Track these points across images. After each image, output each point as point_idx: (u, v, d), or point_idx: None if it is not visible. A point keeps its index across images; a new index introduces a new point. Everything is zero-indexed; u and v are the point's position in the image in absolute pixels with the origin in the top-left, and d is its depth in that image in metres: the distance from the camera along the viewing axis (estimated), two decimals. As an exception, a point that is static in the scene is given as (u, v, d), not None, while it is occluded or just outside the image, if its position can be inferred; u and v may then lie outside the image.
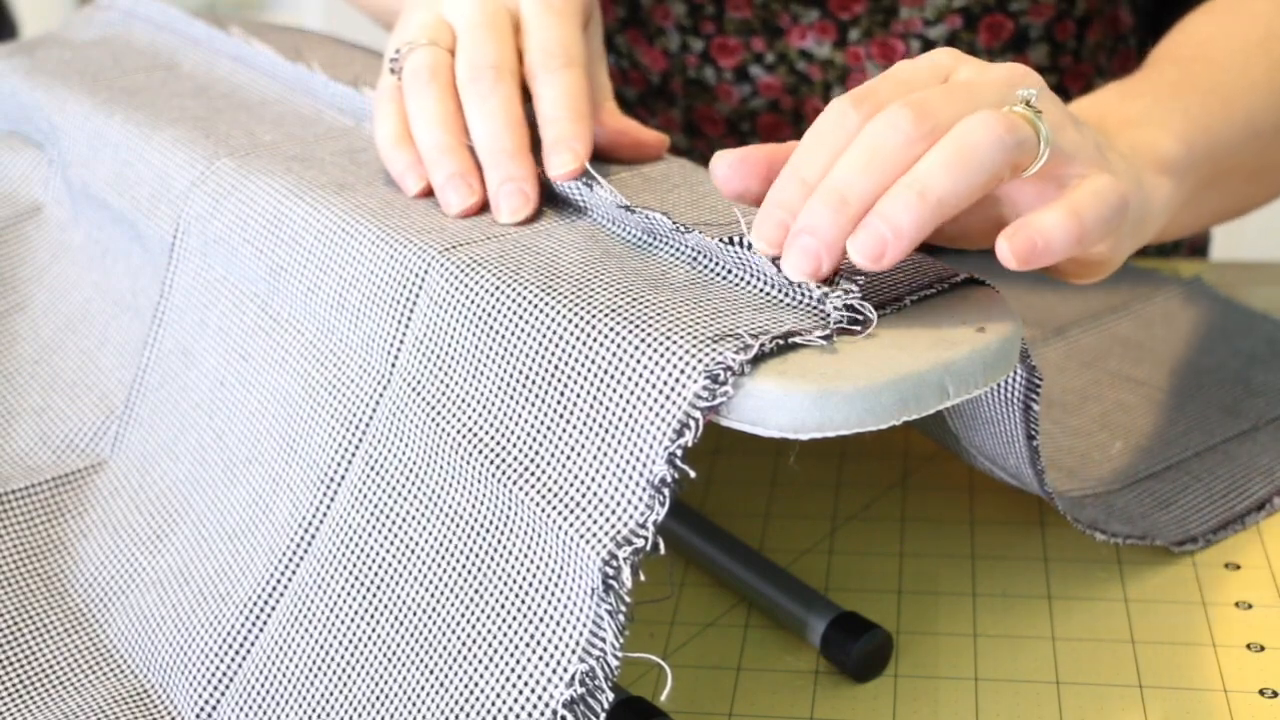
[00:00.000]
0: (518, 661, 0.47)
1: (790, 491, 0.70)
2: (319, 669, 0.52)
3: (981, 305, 0.50)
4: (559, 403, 0.49)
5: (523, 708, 0.47)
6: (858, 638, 0.58)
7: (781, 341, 0.46)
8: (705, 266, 0.52)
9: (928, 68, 0.52)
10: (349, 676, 0.52)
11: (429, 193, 0.59)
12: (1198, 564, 0.63)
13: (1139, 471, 0.67)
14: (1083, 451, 0.69)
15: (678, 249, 0.53)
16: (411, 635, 0.51)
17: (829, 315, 0.48)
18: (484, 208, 0.58)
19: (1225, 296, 0.82)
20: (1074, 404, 0.72)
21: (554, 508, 0.47)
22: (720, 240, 0.51)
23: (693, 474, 0.45)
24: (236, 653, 0.55)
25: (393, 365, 0.54)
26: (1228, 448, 0.69)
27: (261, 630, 0.54)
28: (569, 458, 0.48)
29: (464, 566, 0.50)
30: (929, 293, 0.51)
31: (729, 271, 0.52)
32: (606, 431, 0.47)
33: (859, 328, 0.48)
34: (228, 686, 0.54)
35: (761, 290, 0.50)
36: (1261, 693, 0.56)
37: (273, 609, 0.54)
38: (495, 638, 0.48)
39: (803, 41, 0.83)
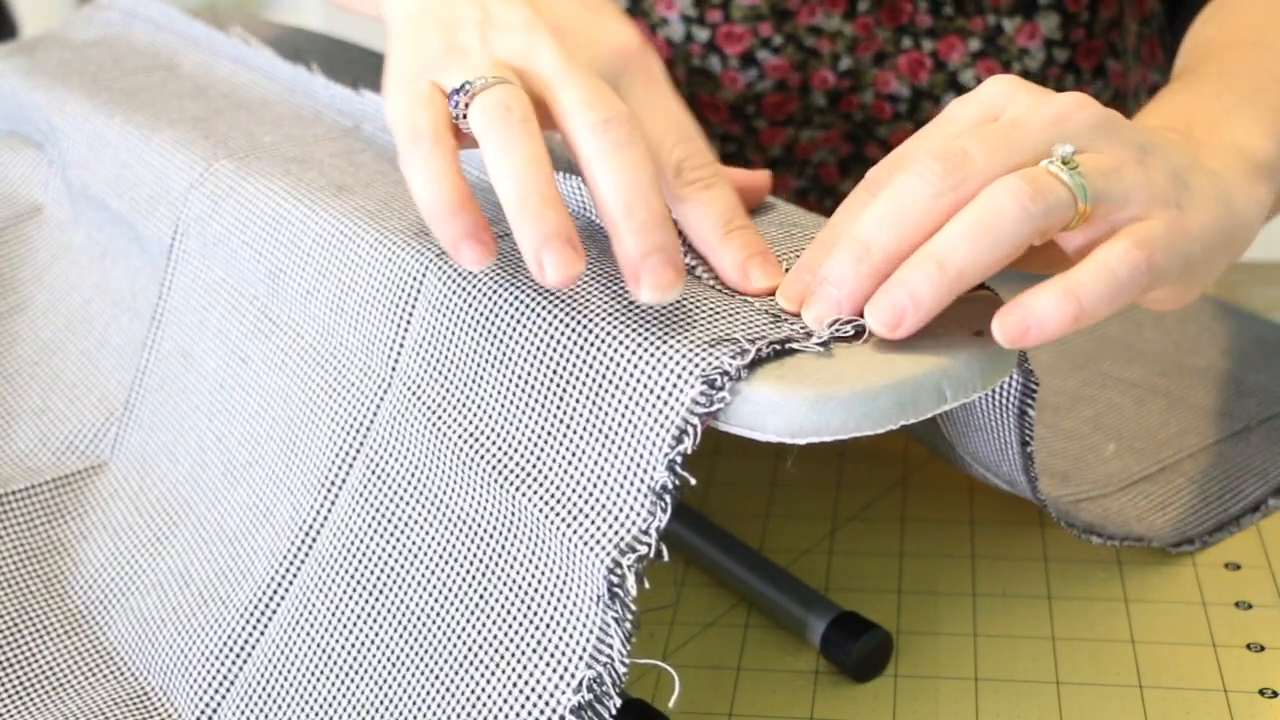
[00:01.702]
0: (524, 667, 0.47)
1: (790, 492, 0.70)
2: (321, 673, 0.52)
3: (979, 309, 0.50)
4: (559, 408, 0.49)
5: (529, 713, 0.47)
6: (858, 638, 0.58)
7: (778, 346, 0.46)
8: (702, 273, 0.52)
9: (973, 113, 0.50)
10: (352, 681, 0.52)
11: (489, 261, 0.49)
12: (1198, 564, 0.63)
13: (1133, 474, 0.67)
14: (1076, 455, 0.69)
15: None
16: (415, 640, 0.51)
17: (819, 334, 0.48)
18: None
19: (1214, 297, 0.82)
20: (1066, 406, 0.72)
21: (557, 514, 0.47)
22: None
23: (693, 481, 0.45)
24: (238, 656, 0.55)
25: (393, 369, 0.54)
26: (1221, 449, 0.69)
27: (263, 634, 0.54)
28: (570, 464, 0.48)
29: (468, 571, 0.50)
30: None
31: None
32: (606, 437, 0.47)
33: (855, 335, 0.48)
34: (229, 690, 0.54)
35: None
36: (1261, 693, 0.56)
37: (274, 612, 0.54)
38: (501, 643, 0.48)
39: (812, 18, 0.83)
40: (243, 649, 0.55)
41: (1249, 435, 0.70)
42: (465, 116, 0.50)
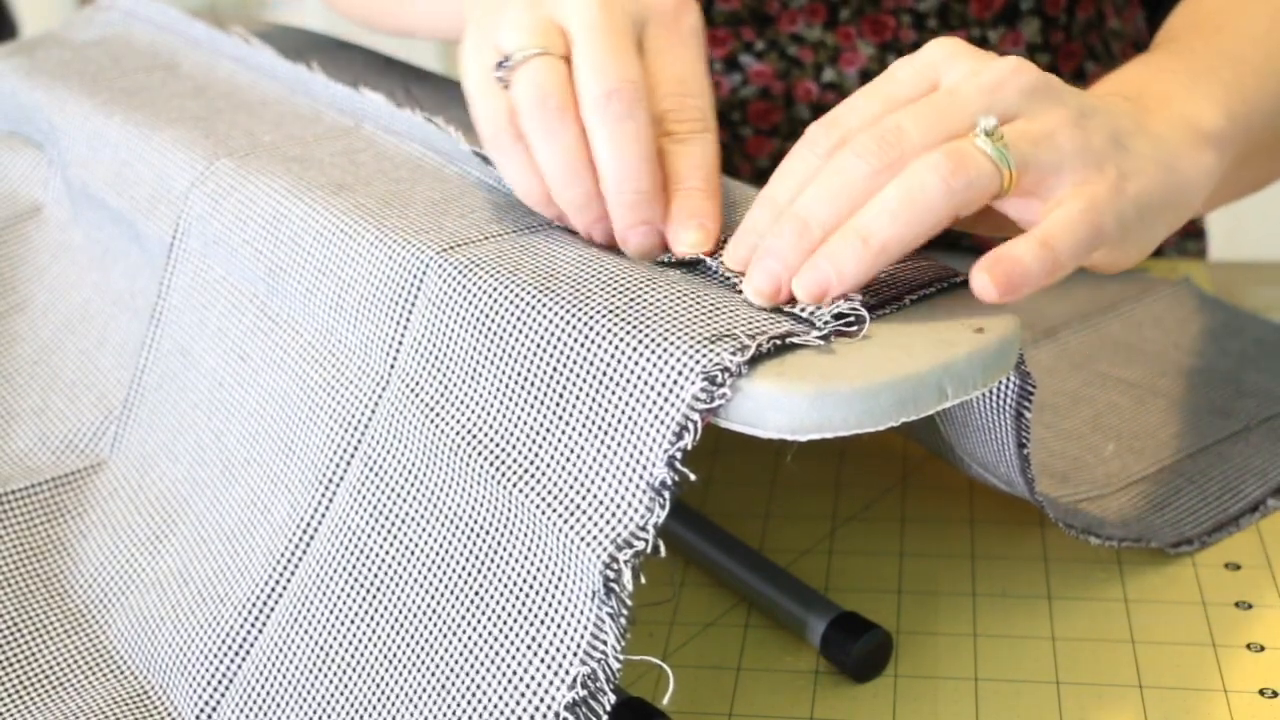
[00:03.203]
0: (519, 664, 0.47)
1: (790, 492, 0.70)
2: (319, 670, 0.52)
3: (981, 305, 0.50)
4: (558, 404, 0.49)
5: (525, 710, 0.47)
6: (857, 638, 0.58)
7: (779, 342, 0.46)
8: (699, 269, 0.52)
9: (913, 76, 0.52)
10: (350, 678, 0.52)
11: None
12: (1198, 564, 0.63)
13: (1132, 474, 0.67)
14: (1075, 455, 0.68)
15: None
16: (412, 637, 0.51)
17: (818, 326, 0.48)
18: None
19: (1213, 297, 0.81)
20: (1065, 406, 0.72)
21: (554, 510, 0.47)
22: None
23: (693, 477, 0.45)
24: (236, 653, 0.55)
25: (391, 366, 0.54)
26: (1220, 449, 0.69)
27: (261, 631, 0.54)
28: (569, 460, 0.48)
29: (464, 568, 0.50)
30: (928, 292, 0.51)
31: (725, 278, 0.52)
32: (605, 434, 0.47)
33: (856, 328, 0.48)
34: (228, 687, 0.54)
35: None
36: (1261, 693, 0.56)
37: (272, 610, 0.54)
38: (496, 640, 0.48)
39: (793, 26, 0.83)
40: (241, 647, 0.55)
41: (1248, 435, 0.70)
42: (509, 88, 0.54)
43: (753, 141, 0.87)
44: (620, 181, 0.52)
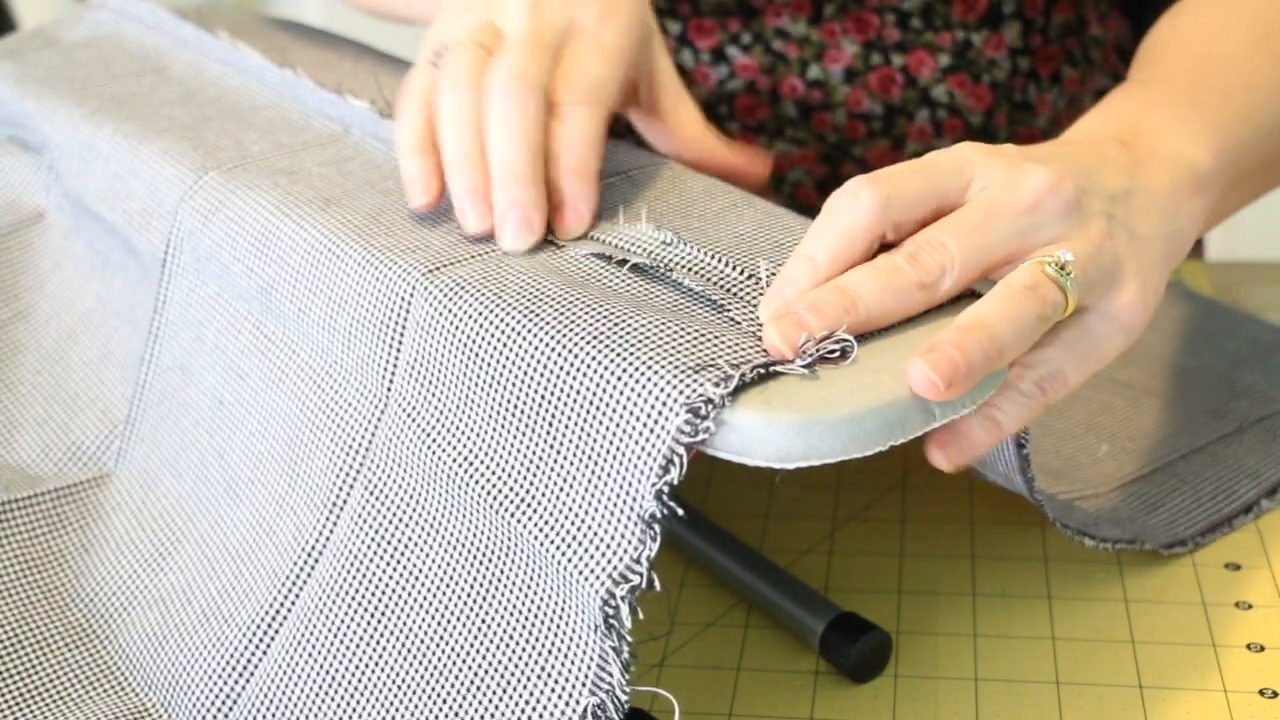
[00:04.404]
0: (531, 692, 0.47)
1: (790, 492, 0.70)
2: (326, 693, 0.52)
3: None
4: (548, 433, 0.48)
5: None
6: (856, 639, 0.58)
7: (763, 370, 0.46)
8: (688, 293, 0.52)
9: (952, 171, 0.53)
10: (358, 700, 0.51)
11: (432, 205, 0.58)
12: (1198, 564, 0.63)
13: (1126, 475, 0.67)
14: (1069, 454, 0.68)
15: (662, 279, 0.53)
16: (420, 662, 0.50)
17: (804, 357, 0.47)
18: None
19: (1209, 297, 0.81)
20: (1059, 407, 0.72)
21: (551, 541, 0.47)
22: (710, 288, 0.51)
23: (681, 512, 0.45)
24: (240, 675, 0.54)
25: (388, 389, 0.54)
26: (1214, 450, 0.69)
27: (266, 653, 0.54)
28: (562, 490, 0.48)
29: (469, 595, 0.50)
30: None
31: (711, 300, 0.51)
32: (595, 464, 0.47)
33: (840, 355, 0.47)
34: (231, 709, 0.54)
35: (746, 315, 0.50)
36: (1261, 693, 0.56)
37: (277, 631, 0.54)
38: (506, 668, 0.48)
39: (779, 20, 0.84)
40: (246, 668, 0.54)
41: (1242, 436, 0.70)
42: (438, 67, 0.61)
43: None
44: (499, 160, 0.57)
